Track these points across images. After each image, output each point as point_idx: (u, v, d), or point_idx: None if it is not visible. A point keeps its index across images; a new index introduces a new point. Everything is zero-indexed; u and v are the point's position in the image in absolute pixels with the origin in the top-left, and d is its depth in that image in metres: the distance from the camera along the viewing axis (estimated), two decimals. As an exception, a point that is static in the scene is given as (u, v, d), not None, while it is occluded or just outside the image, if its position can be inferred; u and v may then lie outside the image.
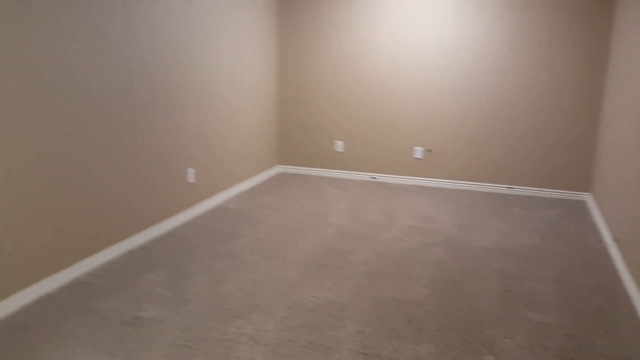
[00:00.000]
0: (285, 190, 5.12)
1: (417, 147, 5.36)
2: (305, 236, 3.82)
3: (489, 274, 3.21)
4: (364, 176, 5.60)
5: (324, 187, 5.27)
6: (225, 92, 4.56)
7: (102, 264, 3.24)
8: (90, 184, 3.08)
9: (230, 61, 4.59)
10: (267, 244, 3.65)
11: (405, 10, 5.06)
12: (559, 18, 4.67)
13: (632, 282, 2.94)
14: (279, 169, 5.90)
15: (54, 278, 2.89)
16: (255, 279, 3.07)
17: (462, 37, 4.95)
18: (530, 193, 5.11)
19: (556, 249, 3.65)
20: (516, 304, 2.82)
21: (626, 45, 3.93)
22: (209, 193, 4.45)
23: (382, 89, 5.32)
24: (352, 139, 5.56)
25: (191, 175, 4.13)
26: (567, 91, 4.80)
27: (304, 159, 5.80)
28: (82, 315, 2.61)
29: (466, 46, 4.96)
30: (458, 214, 4.45)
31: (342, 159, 5.65)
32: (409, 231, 3.98)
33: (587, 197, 4.91)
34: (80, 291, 2.87)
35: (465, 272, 3.25)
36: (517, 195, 5.11)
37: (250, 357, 2.26)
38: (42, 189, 2.76)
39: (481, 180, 5.25)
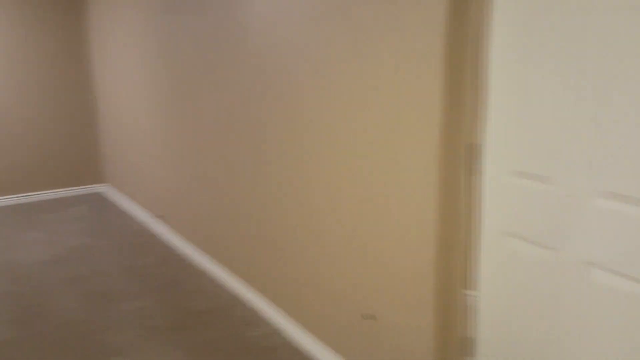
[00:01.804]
0: None
1: None
2: None
3: (63, 286, 3.18)
4: None
5: None
6: None
7: None
8: None
9: None
10: None
11: None
12: (32, 23, 4.66)
13: (191, 246, 3.59)
14: None
15: None
16: None
17: None
18: (49, 196, 5.04)
19: (108, 242, 3.91)
20: (106, 302, 2.97)
21: (103, 49, 4.40)
22: None
23: None
24: None
25: None
26: (59, 94, 4.92)
27: None
28: None
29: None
30: (-13, 237, 3.97)
31: None
32: (-59, 274, 3.31)
33: (105, 188, 5.29)
34: None
35: (38, 293, 3.09)
36: (38, 201, 4.95)
37: None
38: None
39: (-8, 195, 4.78)
